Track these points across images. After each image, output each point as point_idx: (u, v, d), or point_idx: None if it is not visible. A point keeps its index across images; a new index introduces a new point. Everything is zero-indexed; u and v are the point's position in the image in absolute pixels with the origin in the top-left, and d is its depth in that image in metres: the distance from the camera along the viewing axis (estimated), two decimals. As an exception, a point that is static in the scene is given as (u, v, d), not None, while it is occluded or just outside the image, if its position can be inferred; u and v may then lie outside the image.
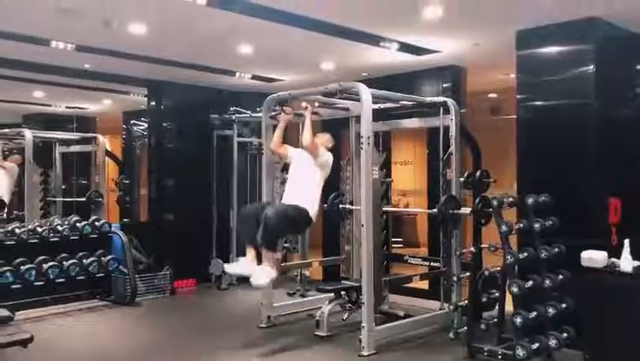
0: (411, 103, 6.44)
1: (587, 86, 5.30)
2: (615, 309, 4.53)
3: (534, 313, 4.59)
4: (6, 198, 8.24)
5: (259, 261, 5.09)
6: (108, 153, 9.13)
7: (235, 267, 5.45)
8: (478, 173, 6.12)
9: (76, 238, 7.27)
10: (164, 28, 5.77)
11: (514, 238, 5.07)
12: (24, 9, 5.08)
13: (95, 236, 7.43)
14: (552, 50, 5.57)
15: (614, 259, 4.72)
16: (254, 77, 7.97)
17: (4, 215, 8.22)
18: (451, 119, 6.14)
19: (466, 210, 5.88)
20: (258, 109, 7.10)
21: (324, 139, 5.64)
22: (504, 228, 4.77)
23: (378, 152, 6.56)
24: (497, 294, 5.11)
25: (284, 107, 5.82)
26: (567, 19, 5.27)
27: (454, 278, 6.03)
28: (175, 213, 8.45)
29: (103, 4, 4.87)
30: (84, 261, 7.07)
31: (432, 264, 6.50)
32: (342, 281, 6.65)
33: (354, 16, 5.35)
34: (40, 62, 7.01)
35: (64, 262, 6.88)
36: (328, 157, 5.45)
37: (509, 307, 4.89)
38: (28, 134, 8.12)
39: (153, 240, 8.24)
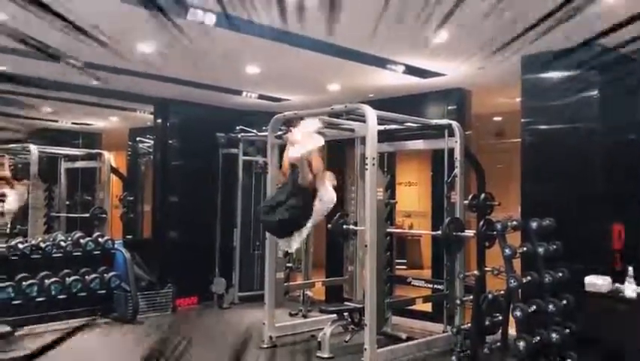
0: (416, 125, 6.47)
1: (592, 111, 5.33)
2: (619, 335, 4.50)
3: (537, 338, 4.56)
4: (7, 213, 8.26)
5: None
6: (113, 170, 9.14)
7: None
8: (482, 196, 6.12)
9: (79, 254, 7.26)
10: (171, 48, 5.81)
11: (518, 261, 5.05)
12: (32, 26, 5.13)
13: (98, 252, 7.43)
14: (557, 74, 5.60)
15: (617, 285, 4.71)
16: (260, 97, 8.02)
17: (8, 230, 8.23)
18: (456, 142, 6.17)
19: (469, 232, 5.88)
20: (263, 128, 7.13)
21: (330, 176, 5.38)
22: (508, 251, 4.76)
23: (383, 173, 6.57)
24: (500, 318, 5.09)
25: (290, 128, 5.83)
26: (571, 44, 5.29)
27: (458, 301, 6.00)
28: (178, 230, 8.43)
29: (112, 22, 4.92)
30: (86, 277, 7.06)
31: (435, 286, 6.47)
32: (345, 302, 6.62)
33: (362, 39, 5.40)
34: (49, 79, 7.06)
35: (67, 278, 6.87)
36: (333, 195, 4.81)
37: (512, 331, 4.86)
38: (34, 149, 8.13)
39: (156, 257, 8.23)
